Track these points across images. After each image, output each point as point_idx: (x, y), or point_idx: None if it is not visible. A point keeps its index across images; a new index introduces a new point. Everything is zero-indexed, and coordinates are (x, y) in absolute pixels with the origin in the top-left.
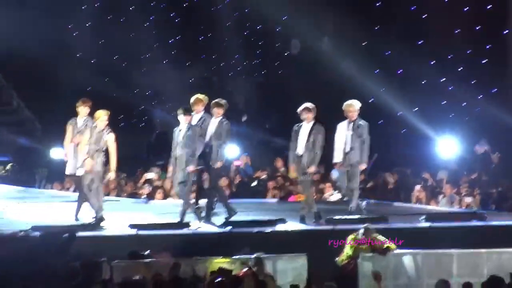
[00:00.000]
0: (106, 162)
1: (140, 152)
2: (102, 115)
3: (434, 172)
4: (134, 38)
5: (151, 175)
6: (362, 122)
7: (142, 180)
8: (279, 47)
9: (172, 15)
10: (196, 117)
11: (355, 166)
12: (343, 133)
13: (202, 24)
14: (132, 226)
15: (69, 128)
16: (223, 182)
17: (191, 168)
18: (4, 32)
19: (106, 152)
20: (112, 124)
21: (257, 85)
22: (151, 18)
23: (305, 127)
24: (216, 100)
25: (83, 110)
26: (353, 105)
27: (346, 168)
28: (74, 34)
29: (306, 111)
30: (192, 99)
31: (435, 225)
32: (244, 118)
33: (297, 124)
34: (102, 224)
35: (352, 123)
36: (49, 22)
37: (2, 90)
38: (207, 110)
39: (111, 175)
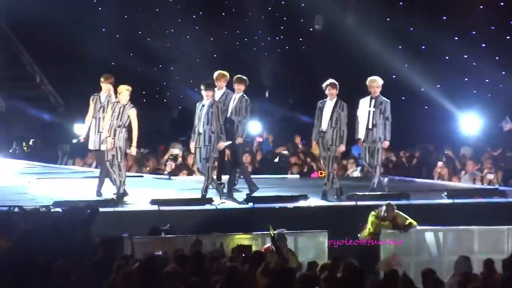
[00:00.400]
0: (129, 138)
1: (162, 127)
2: (124, 90)
3: (456, 148)
4: (158, 13)
5: (175, 151)
6: (385, 99)
7: (166, 156)
8: (303, 23)
9: None
10: (218, 93)
11: (377, 143)
12: (365, 109)
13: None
14: (154, 202)
15: (92, 104)
16: (245, 158)
17: (221, 145)
18: (27, 5)
19: (129, 128)
20: (135, 100)
21: (281, 61)
22: None
23: (329, 103)
24: (238, 75)
25: (105, 86)
26: (377, 81)
27: (368, 144)
28: (100, 9)
29: (330, 87)
30: (215, 75)
31: (456, 202)
32: (267, 94)
33: (321, 101)
34: (124, 199)
35: (375, 99)
36: None
37: (25, 65)
38: (230, 85)
39: (132, 150)
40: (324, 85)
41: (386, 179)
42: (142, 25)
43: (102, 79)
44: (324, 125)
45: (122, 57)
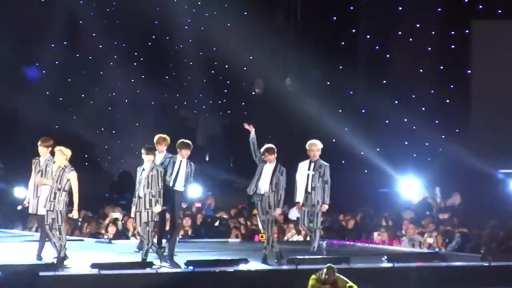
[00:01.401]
0: (70, 201)
1: (104, 191)
2: (57, 151)
3: (396, 212)
4: (100, 75)
5: (116, 214)
6: (324, 163)
7: (107, 220)
8: (245, 87)
9: (136, 54)
10: (159, 157)
11: (316, 206)
12: (304, 173)
13: (166, 63)
14: (94, 265)
15: (33, 167)
16: (186, 221)
17: (157, 208)
18: None
19: (70, 191)
20: (76, 162)
21: (222, 124)
22: (115, 57)
23: (269, 167)
24: (183, 140)
25: (42, 149)
26: (316, 145)
27: (307, 208)
28: (44, 72)
29: (267, 153)
30: (156, 138)
31: (397, 265)
32: (207, 157)
33: (261, 164)
34: (64, 263)
35: (314, 163)
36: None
37: None
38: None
39: (74, 214)
40: (261, 150)
41: (324, 243)
42: (82, 88)
43: (39, 142)
44: (264, 188)
45: (65, 120)
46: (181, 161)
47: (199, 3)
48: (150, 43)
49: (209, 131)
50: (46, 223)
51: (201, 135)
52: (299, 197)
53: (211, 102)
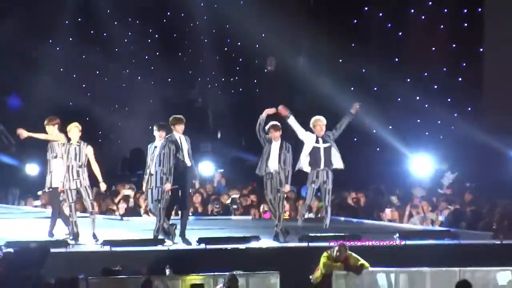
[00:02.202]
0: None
1: (115, 168)
2: (73, 127)
3: (407, 189)
4: (115, 52)
5: (128, 191)
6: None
7: (119, 197)
8: (256, 64)
9: (151, 31)
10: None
11: (328, 183)
12: (314, 146)
13: (181, 40)
14: (106, 242)
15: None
16: (196, 198)
17: (167, 186)
18: None
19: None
20: (90, 138)
21: (233, 102)
22: (129, 34)
23: (275, 145)
24: (175, 116)
25: (50, 128)
26: (321, 120)
27: (316, 185)
28: (57, 49)
29: (273, 130)
30: (171, 118)
31: (408, 243)
32: (219, 135)
33: (267, 145)
34: (76, 240)
35: (322, 138)
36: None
37: None
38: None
39: (102, 186)
40: (267, 127)
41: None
42: (94, 67)
43: (45, 122)
44: (273, 167)
45: (79, 97)
46: (179, 137)
47: None
48: (164, 20)
49: (220, 108)
50: (68, 200)
51: (212, 114)
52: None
53: (223, 79)
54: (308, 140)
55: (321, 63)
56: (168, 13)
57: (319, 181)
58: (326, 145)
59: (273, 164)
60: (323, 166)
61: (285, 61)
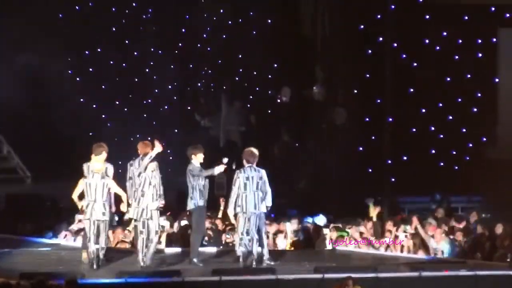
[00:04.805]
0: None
1: None
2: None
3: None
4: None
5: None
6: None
7: None
8: (270, 94)
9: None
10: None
11: None
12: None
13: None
14: (121, 273)
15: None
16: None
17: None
18: None
19: None
20: None
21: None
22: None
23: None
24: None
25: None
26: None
27: None
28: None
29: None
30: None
31: (424, 275)
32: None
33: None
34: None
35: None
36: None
37: None
38: None
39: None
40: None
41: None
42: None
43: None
44: None
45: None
46: None
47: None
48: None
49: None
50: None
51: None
52: None
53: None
54: None
55: (335, 93)
56: (180, 44)
57: None
58: None
59: None
60: None
61: (299, 91)
